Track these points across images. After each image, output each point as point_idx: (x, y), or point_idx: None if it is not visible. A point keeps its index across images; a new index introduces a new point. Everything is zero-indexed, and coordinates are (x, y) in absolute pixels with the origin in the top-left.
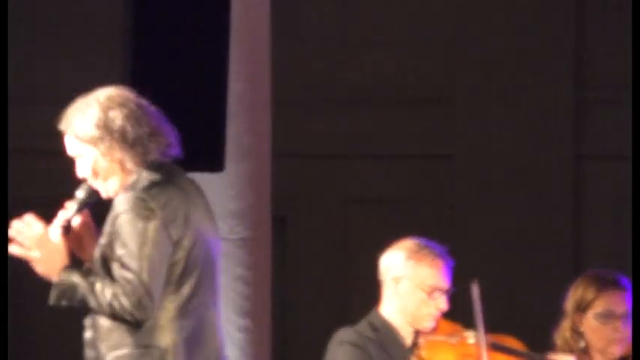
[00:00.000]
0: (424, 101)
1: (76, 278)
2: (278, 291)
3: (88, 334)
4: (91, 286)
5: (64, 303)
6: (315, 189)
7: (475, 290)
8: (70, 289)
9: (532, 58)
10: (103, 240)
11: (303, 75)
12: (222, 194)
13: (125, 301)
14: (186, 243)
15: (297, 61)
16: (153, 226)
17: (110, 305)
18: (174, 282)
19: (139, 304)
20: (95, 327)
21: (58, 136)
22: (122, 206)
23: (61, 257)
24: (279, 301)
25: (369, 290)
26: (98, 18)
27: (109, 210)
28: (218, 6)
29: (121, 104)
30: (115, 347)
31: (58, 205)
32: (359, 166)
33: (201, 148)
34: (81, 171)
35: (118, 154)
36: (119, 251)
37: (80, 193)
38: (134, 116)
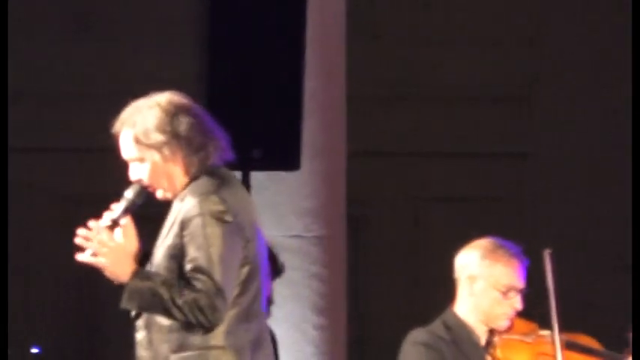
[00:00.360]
0: (499, 100)
1: (148, 281)
2: (353, 289)
3: (141, 335)
4: (165, 288)
5: (136, 306)
6: (391, 187)
7: (547, 258)
8: (142, 292)
9: (607, 56)
10: (168, 241)
11: (379, 73)
12: (297, 192)
13: (201, 304)
14: (252, 246)
15: (372, 59)
16: (226, 229)
17: (183, 308)
18: (241, 284)
19: (213, 306)
20: (152, 327)
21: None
22: (195, 210)
23: (129, 260)
24: (354, 299)
25: (443, 289)
26: (174, 17)
27: (163, 212)
28: (294, 5)
29: (184, 109)
30: (180, 349)
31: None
32: (434, 164)
33: (277, 147)
34: (137, 173)
35: (182, 158)
36: (194, 254)
37: (129, 194)
38: (196, 121)
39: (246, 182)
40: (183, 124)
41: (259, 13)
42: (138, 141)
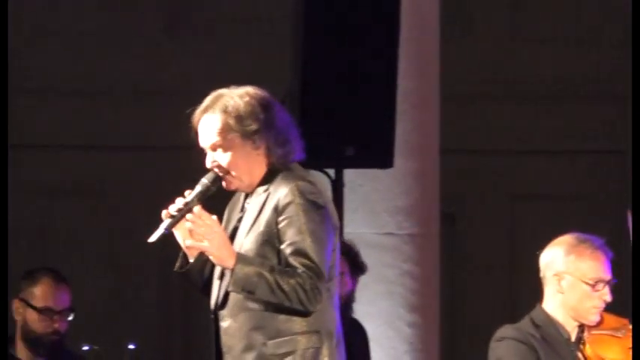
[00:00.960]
0: (595, 97)
1: (252, 265)
2: (447, 287)
3: (227, 324)
4: (268, 271)
5: (240, 289)
6: (484, 185)
7: (630, 218)
8: (249, 276)
9: None
10: (259, 229)
11: (472, 71)
12: (390, 190)
13: (306, 287)
14: (337, 234)
15: (466, 58)
16: (323, 215)
17: (289, 291)
18: (329, 270)
19: (317, 289)
20: (242, 315)
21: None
22: (291, 195)
23: (230, 244)
24: (447, 297)
25: (538, 287)
26: (268, 15)
27: (233, 201)
28: (388, 4)
29: (273, 102)
30: (276, 335)
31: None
32: (529, 162)
33: (371, 145)
34: (215, 160)
35: (267, 149)
36: (294, 238)
37: (205, 180)
38: (285, 116)
39: (339, 180)
40: (275, 115)
41: (353, 11)
42: (228, 127)
